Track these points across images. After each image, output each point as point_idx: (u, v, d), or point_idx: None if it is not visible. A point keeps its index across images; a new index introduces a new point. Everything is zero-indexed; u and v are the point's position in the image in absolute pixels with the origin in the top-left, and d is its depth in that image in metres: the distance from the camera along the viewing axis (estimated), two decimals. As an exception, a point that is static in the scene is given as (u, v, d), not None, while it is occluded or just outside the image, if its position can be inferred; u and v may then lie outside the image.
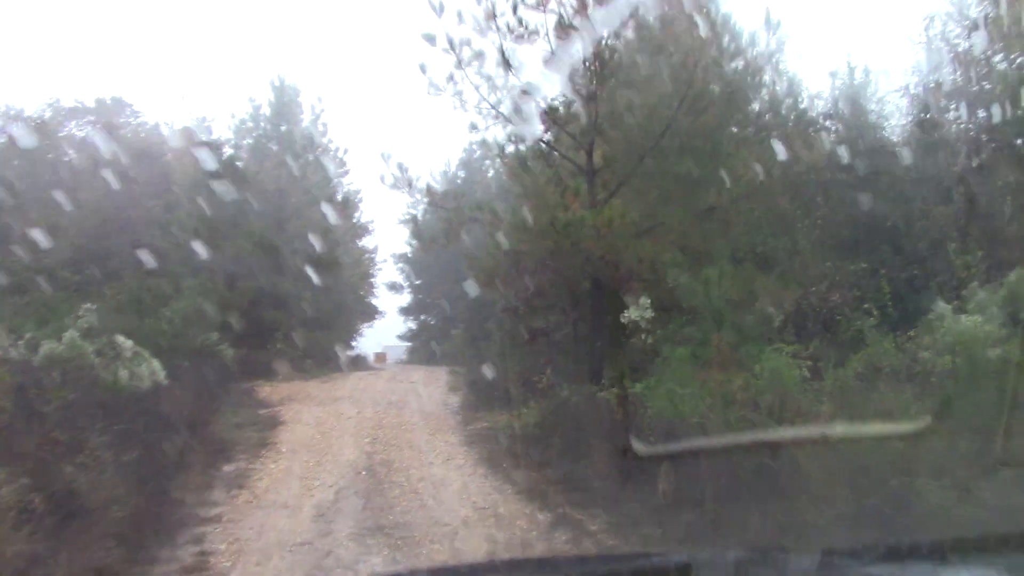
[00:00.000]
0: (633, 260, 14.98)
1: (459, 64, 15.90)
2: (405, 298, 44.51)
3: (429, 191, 16.22)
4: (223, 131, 26.50)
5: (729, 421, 10.47)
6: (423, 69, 15.90)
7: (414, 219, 20.60)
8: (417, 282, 44.58)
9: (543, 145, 16.52)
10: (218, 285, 23.46)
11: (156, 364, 15.39)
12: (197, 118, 24.60)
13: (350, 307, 29.08)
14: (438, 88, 15.92)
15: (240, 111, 27.94)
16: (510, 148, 16.47)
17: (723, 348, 12.35)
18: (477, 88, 15.96)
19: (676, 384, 11.06)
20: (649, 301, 14.80)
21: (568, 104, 16.48)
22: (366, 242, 32.32)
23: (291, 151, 25.72)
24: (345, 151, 28.00)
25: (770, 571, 2.82)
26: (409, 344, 46.93)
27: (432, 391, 20.49)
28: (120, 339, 15.04)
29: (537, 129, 16.51)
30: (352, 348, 32.48)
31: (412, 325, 46.42)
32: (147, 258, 25.37)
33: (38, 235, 24.58)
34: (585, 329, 16.55)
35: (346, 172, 28.81)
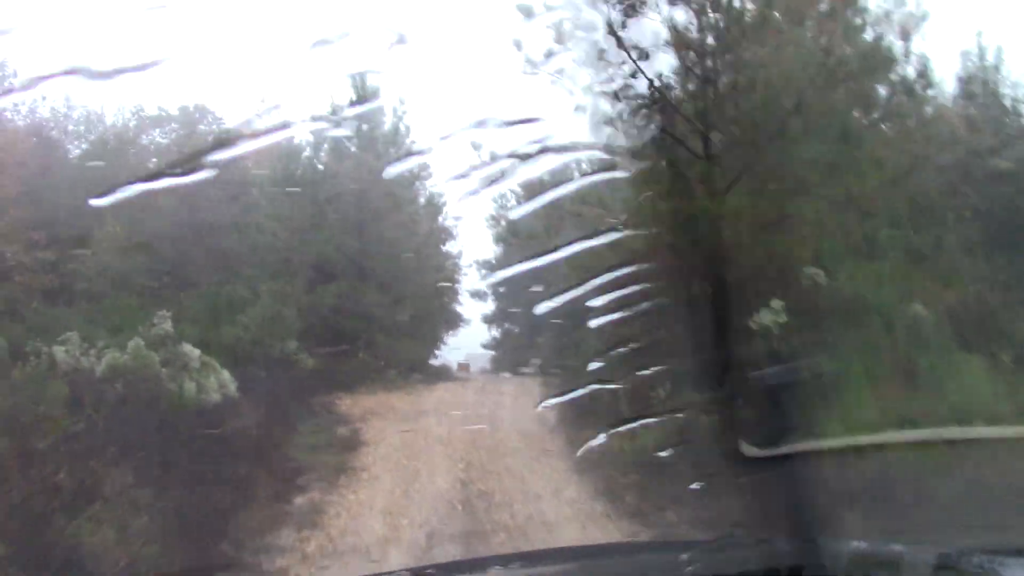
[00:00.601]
0: (761, 256, 12.59)
1: (560, 39, 13.77)
2: (488, 306, 42.63)
3: (525, 182, 14.08)
4: (303, 134, 24.88)
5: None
6: (518, 46, 13.83)
7: (507, 220, 18.42)
8: (501, 289, 42.66)
9: (655, 128, 14.25)
10: (297, 290, 21.78)
11: (226, 375, 13.63)
12: (278, 121, 23.01)
13: (434, 315, 27.14)
14: (534, 65, 13.81)
15: (320, 112, 26.37)
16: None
17: (897, 358, 9.85)
18: (581, 65, 13.82)
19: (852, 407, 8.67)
20: (782, 304, 12.41)
21: (684, 81, 14.22)
22: (450, 247, 30.39)
23: (372, 151, 23.93)
24: (429, 150, 26.11)
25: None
26: (493, 353, 45.06)
27: (525, 405, 18.39)
28: (187, 348, 13.27)
29: (648, 110, 14.27)
30: (436, 357, 30.60)
31: (496, 334, 44.54)
32: (225, 263, 23.96)
33: (113, 240, 23.34)
34: (704, 336, 14.13)
35: (429, 175, 26.97)
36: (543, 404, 16.19)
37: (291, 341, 20.29)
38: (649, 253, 13.19)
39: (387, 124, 25.02)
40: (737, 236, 12.37)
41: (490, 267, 42.54)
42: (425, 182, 26.47)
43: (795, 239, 12.39)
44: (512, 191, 24.11)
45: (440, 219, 27.88)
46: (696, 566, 2.62)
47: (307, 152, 23.99)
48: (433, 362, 28.53)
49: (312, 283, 22.73)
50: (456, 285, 32.13)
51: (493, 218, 42.62)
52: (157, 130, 27.67)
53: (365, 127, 24.18)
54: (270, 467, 11.03)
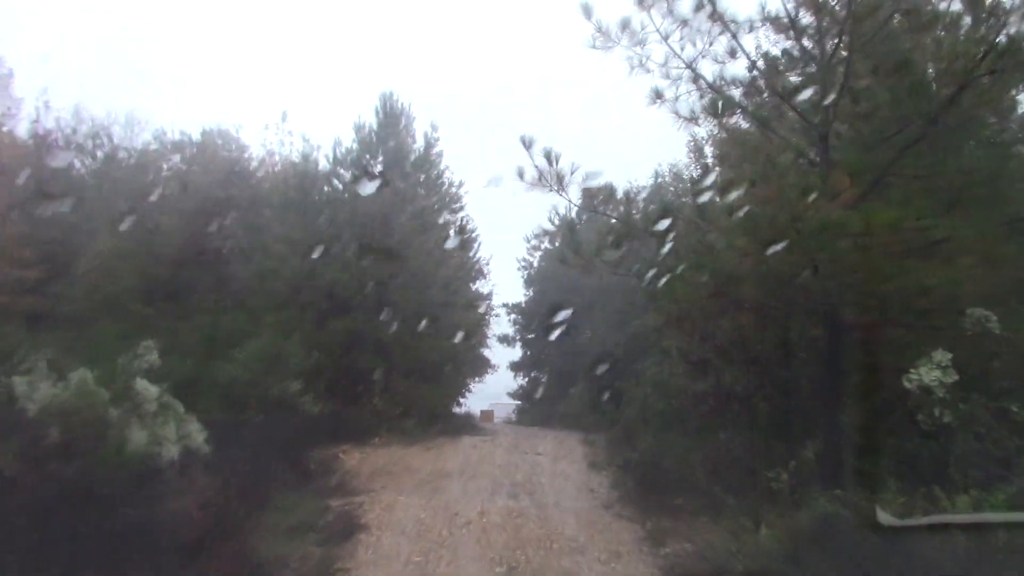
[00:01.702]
0: (913, 289, 9.05)
1: (641, 3, 10.50)
2: (516, 352, 39.15)
3: (587, 190, 10.67)
4: (323, 152, 21.73)
5: None
6: (587, 12, 10.58)
7: (568, 225, 14.74)
8: (530, 336, 39.14)
9: (755, 123, 10.85)
10: (305, 324, 18.41)
11: (193, 425, 10.16)
12: (300, 142, 19.90)
13: (460, 358, 23.58)
14: (608, 39, 10.51)
15: (345, 135, 23.15)
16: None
17: None
18: (665, 39, 10.53)
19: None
20: (948, 356, 8.81)
21: (795, 63, 10.87)
22: (480, 287, 26.94)
23: (399, 173, 20.69)
24: (460, 184, 22.74)
25: None
26: (519, 403, 41.39)
27: (568, 469, 14.83)
28: (142, 385, 9.84)
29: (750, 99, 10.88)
30: (460, 406, 26.98)
31: (522, 382, 40.87)
32: (227, 290, 20.70)
33: (106, 261, 20.24)
34: (825, 395, 10.56)
35: (461, 207, 23.62)
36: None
37: (293, 382, 16.92)
38: (755, 281, 9.70)
39: (417, 147, 21.80)
40: (870, 263, 8.91)
41: (520, 312, 39.30)
42: (456, 212, 23.13)
43: (953, 269, 8.90)
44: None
45: (471, 253, 24.52)
46: None
47: (325, 171, 20.72)
48: (457, 411, 24.96)
49: (323, 316, 19.39)
50: (485, 327, 28.71)
51: (527, 259, 39.77)
52: (178, 155, 24.48)
53: (392, 145, 20.92)
54: (224, 566, 7.46)
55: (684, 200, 13.21)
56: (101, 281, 19.77)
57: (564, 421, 30.53)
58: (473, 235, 24.80)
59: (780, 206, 8.64)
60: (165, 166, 23.86)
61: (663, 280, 9.98)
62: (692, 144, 16.30)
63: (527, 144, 10.54)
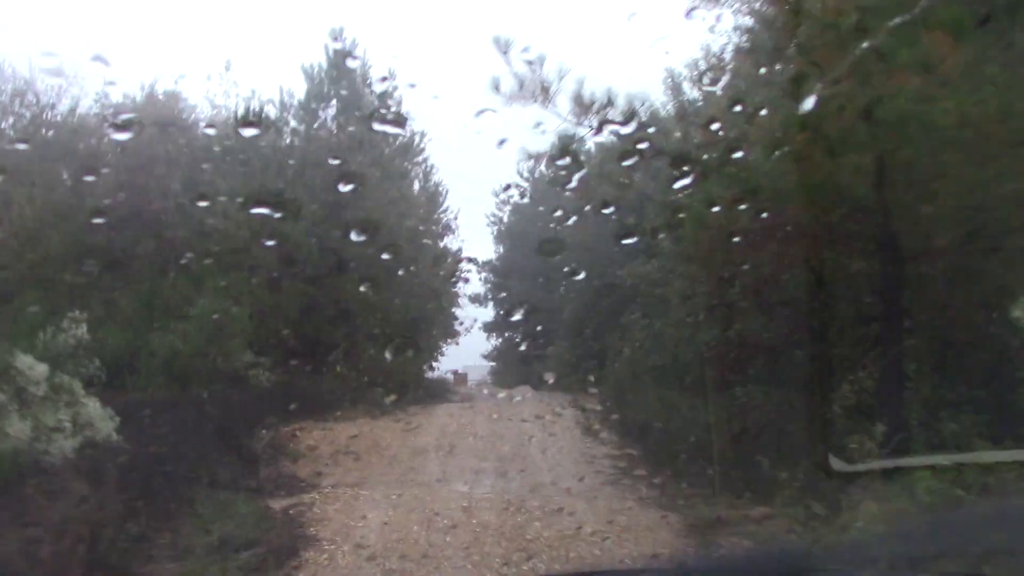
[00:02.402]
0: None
1: None
2: (488, 312, 37.02)
3: (580, 100, 8.41)
4: (269, 94, 19.17)
5: None
6: None
7: (564, 140, 12.36)
8: (502, 294, 37.00)
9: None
10: (256, 287, 16.05)
11: (93, 407, 7.88)
12: (246, 93, 17.36)
13: (430, 320, 21.33)
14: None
15: (297, 84, 20.52)
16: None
17: None
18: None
19: None
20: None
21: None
22: (449, 243, 24.63)
23: (353, 117, 18.25)
24: (423, 135, 20.27)
25: None
26: (493, 365, 39.35)
27: (561, 436, 12.71)
28: (26, 363, 7.49)
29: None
30: (433, 370, 24.77)
31: (496, 343, 38.75)
32: (169, 252, 18.26)
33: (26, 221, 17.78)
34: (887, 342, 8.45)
35: (425, 158, 21.19)
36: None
37: (242, 352, 14.60)
38: (786, 202, 7.50)
39: (375, 85, 19.33)
40: (965, 164, 6.76)
41: (491, 269, 37.06)
42: (419, 162, 20.72)
43: None
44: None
45: (438, 204, 22.19)
46: None
47: (273, 116, 18.24)
48: (430, 375, 22.77)
49: (276, 278, 17.01)
50: (457, 288, 26.47)
51: (496, 214, 37.38)
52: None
53: (345, 89, 18.46)
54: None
55: (703, 105, 11.00)
56: (24, 249, 17.29)
57: (543, 382, 28.54)
58: (439, 186, 22.47)
59: (849, 93, 6.43)
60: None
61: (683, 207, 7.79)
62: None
63: (503, 47, 8.29)
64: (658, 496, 8.76)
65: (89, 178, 18.68)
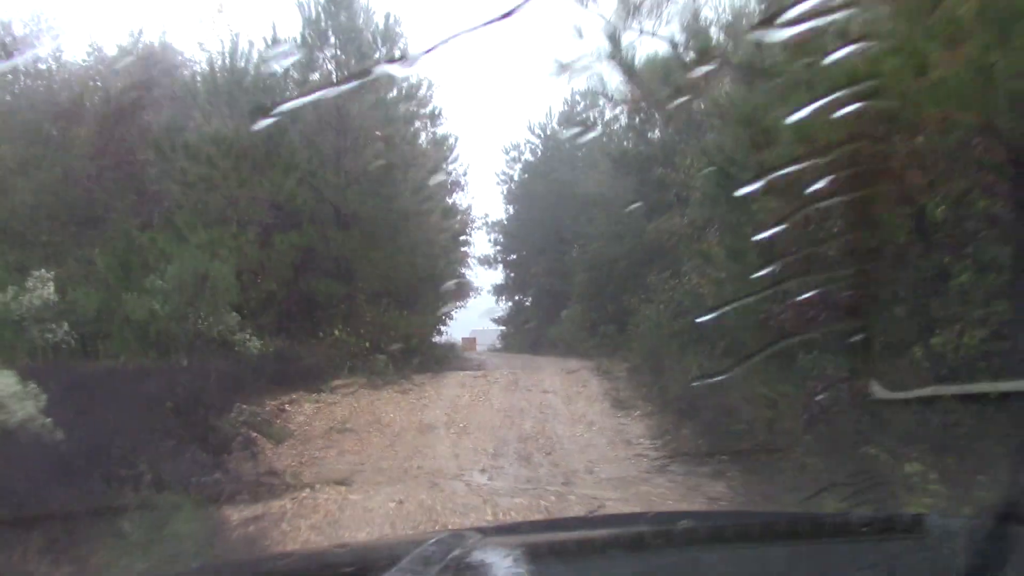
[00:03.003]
0: None
1: None
2: (498, 275, 35.28)
3: None
4: (266, 41, 17.12)
5: None
6: None
7: (612, 38, 9.98)
8: (512, 257, 35.13)
9: None
10: (245, 242, 14.21)
11: (14, 386, 5.98)
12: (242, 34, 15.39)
13: (438, 280, 19.41)
14: None
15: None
16: None
17: None
18: None
19: None
20: None
21: None
22: (458, 200, 22.69)
23: (354, 53, 16.22)
24: (429, 85, 18.18)
25: None
26: (503, 329, 37.52)
27: (588, 411, 10.97)
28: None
29: None
30: (441, 334, 22.94)
31: (506, 306, 36.90)
32: (148, 205, 16.44)
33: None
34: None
35: (434, 107, 19.13)
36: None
37: (227, 314, 12.76)
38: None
39: (377, 19, 17.24)
40: None
41: (501, 230, 35.11)
42: (428, 106, 18.66)
43: None
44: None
45: (449, 160, 20.22)
46: None
47: (261, 53, 16.22)
48: (437, 340, 20.94)
49: (267, 231, 15.16)
50: (466, 247, 24.61)
51: (506, 172, 35.36)
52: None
53: (344, 23, 16.39)
54: None
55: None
56: (-9, 198, 15.60)
57: (556, 347, 26.73)
58: (447, 138, 20.46)
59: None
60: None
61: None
62: None
63: None
64: (720, 490, 6.87)
65: (65, 128, 16.88)
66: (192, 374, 11.50)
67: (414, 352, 15.95)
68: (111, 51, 18.91)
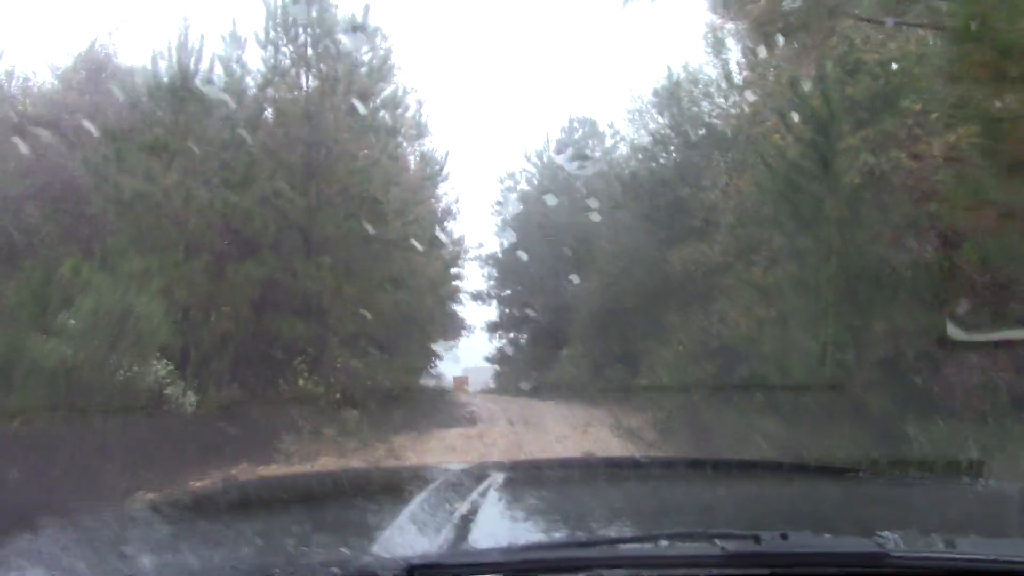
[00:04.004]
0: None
1: None
2: (491, 311, 32.49)
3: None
4: (223, 39, 14.35)
5: None
6: None
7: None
8: (506, 292, 32.35)
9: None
10: (192, 272, 11.36)
11: None
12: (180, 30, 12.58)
13: (425, 319, 16.60)
14: None
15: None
16: None
17: None
18: None
19: None
20: None
21: None
22: (450, 228, 19.94)
23: (326, 48, 13.50)
24: (406, 92, 15.48)
25: None
26: (497, 368, 34.51)
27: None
28: None
29: None
30: (430, 375, 20.05)
31: (500, 343, 33.91)
32: (83, 231, 13.70)
33: None
34: None
35: (419, 117, 16.42)
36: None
37: (157, 363, 9.90)
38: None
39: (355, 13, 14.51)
40: None
41: (495, 264, 32.28)
42: (411, 111, 15.91)
43: None
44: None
45: (437, 176, 17.46)
46: None
47: (220, 52, 13.45)
48: (425, 382, 18.01)
49: (220, 260, 12.29)
50: (458, 280, 21.79)
51: (500, 202, 32.64)
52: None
53: (315, 13, 13.71)
54: None
55: None
56: None
57: (557, 390, 23.81)
58: (435, 154, 17.72)
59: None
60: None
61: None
62: None
63: None
64: None
65: None
66: (98, 442, 8.68)
67: (396, 403, 13.04)
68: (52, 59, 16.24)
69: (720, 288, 13.30)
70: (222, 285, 12.05)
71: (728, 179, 12.14)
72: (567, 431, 12.50)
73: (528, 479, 2.37)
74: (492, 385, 34.45)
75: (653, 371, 16.55)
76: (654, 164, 17.97)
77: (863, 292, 8.46)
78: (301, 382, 11.89)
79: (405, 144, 15.50)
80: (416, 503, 1.78)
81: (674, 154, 16.85)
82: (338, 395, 11.89)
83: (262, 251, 12.63)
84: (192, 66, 12.49)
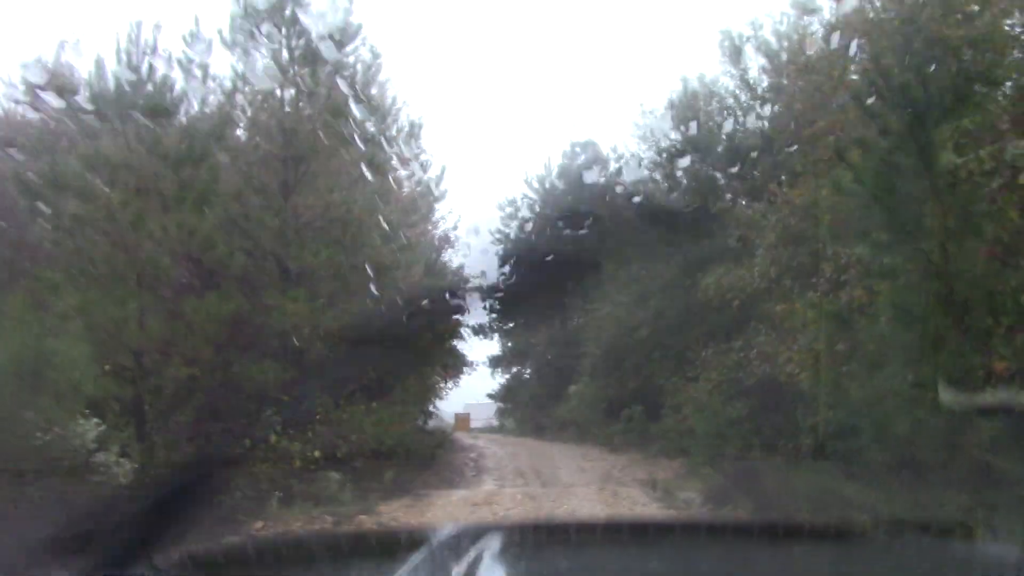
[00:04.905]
0: None
1: None
2: (494, 345, 30.35)
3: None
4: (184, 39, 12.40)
5: None
6: None
7: None
8: (509, 324, 30.15)
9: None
10: (141, 307, 9.27)
11: None
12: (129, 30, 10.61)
13: (421, 357, 14.37)
14: None
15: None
16: None
17: None
18: None
19: None
20: None
21: None
22: (448, 259, 17.83)
23: (305, 56, 11.56)
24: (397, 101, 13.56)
25: None
26: (500, 405, 32.34)
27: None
28: None
29: None
30: (429, 416, 17.94)
31: (503, 379, 31.77)
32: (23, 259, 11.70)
33: None
34: None
35: (413, 126, 14.44)
36: None
37: (84, 421, 7.80)
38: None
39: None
40: None
41: (495, 294, 30.21)
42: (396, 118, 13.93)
43: None
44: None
45: (433, 196, 15.49)
46: None
47: (179, 55, 11.46)
48: (422, 424, 15.90)
49: (179, 294, 10.24)
50: (460, 313, 19.53)
51: (501, 230, 30.61)
52: None
53: (289, 13, 11.77)
54: None
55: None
56: None
57: (565, 429, 21.72)
58: (436, 179, 15.74)
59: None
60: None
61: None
62: None
63: None
64: None
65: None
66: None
67: (387, 458, 10.93)
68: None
69: (760, 316, 11.29)
70: (177, 325, 9.98)
71: (778, 188, 10.13)
72: (588, 486, 10.42)
73: (528, 542, 2.29)
74: (495, 423, 32.32)
75: (678, 411, 14.51)
76: (671, 181, 16.08)
77: (977, 320, 6.47)
78: (273, 437, 9.75)
79: (395, 161, 13.48)
80: (410, 567, 1.76)
81: (697, 167, 14.87)
82: (317, 453, 9.76)
83: (228, 283, 10.59)
84: (144, 69, 10.53)
